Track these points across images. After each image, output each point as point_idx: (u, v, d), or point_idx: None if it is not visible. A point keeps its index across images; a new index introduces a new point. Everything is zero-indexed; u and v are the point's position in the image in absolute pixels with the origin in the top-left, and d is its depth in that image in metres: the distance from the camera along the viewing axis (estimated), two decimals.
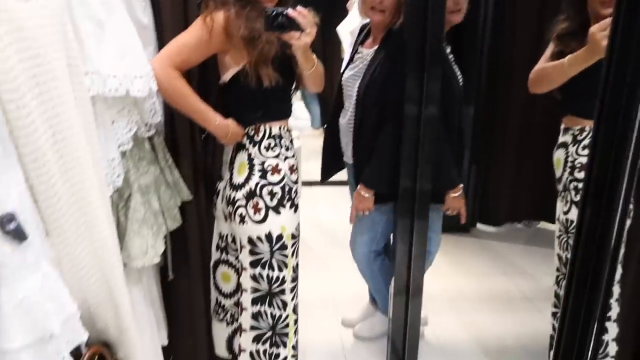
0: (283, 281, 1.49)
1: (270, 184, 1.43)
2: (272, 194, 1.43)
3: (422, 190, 1.62)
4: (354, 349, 2.14)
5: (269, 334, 1.52)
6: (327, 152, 2.01)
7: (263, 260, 1.46)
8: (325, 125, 2.01)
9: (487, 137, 3.17)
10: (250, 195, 1.43)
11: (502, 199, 3.22)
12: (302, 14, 1.27)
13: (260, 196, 1.43)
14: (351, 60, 1.88)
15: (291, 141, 1.52)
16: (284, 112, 1.50)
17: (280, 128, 1.47)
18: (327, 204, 3.55)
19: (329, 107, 2.27)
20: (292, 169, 1.49)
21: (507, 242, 3.15)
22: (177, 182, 1.47)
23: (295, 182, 1.50)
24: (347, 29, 3.58)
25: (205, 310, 1.65)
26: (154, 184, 1.37)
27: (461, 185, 1.84)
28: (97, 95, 1.10)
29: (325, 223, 3.33)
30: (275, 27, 1.28)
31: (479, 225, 3.39)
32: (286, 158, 1.47)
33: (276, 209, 1.44)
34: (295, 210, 1.49)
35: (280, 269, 1.48)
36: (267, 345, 1.53)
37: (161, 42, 1.40)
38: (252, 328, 1.52)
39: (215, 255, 1.61)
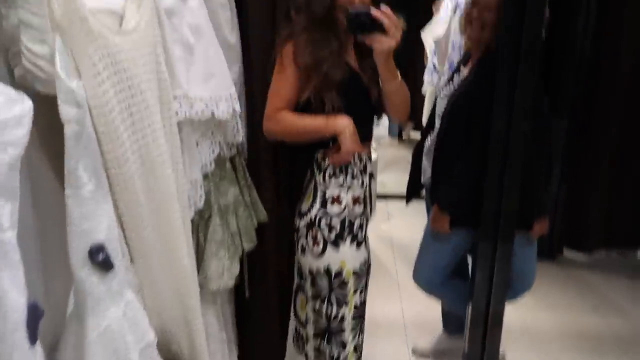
0: (342, 319, 1.39)
1: (329, 215, 1.35)
2: (330, 227, 1.35)
3: (508, 211, 1.50)
4: None
5: None
6: (412, 174, 1.93)
7: (322, 294, 1.39)
8: (416, 144, 1.93)
9: (581, 153, 2.92)
10: (310, 225, 1.36)
11: (594, 222, 2.92)
12: (386, 15, 1.19)
13: (319, 227, 1.35)
14: (451, 79, 1.79)
15: (364, 169, 1.40)
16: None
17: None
18: (402, 219, 3.45)
19: None
20: (358, 200, 1.37)
21: (599, 272, 2.86)
22: (255, 203, 1.47)
23: (362, 215, 1.39)
24: (432, 35, 3.45)
25: (280, 336, 1.62)
26: (233, 205, 1.38)
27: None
28: (183, 119, 1.11)
29: (398, 239, 3.23)
30: (357, 29, 1.21)
31: (567, 252, 3.13)
32: (350, 188, 1.36)
33: (335, 243, 1.35)
34: (359, 246, 1.38)
35: (339, 306, 1.38)
36: None
37: (248, 61, 1.40)
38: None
39: (295, 280, 1.55)
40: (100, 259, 0.77)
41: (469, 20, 1.64)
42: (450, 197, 1.66)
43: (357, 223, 1.38)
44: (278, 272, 1.57)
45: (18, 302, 0.57)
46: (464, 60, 1.77)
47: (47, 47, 0.69)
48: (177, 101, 1.07)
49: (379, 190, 3.52)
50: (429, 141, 1.79)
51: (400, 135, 5.42)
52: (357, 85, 1.34)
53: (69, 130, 0.70)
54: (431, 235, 1.80)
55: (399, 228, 3.35)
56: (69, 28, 0.71)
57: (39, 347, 0.65)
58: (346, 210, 1.36)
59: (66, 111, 0.69)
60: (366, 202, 1.42)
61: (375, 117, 1.49)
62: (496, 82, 1.44)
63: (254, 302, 1.55)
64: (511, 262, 1.56)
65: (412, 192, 1.96)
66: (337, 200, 1.36)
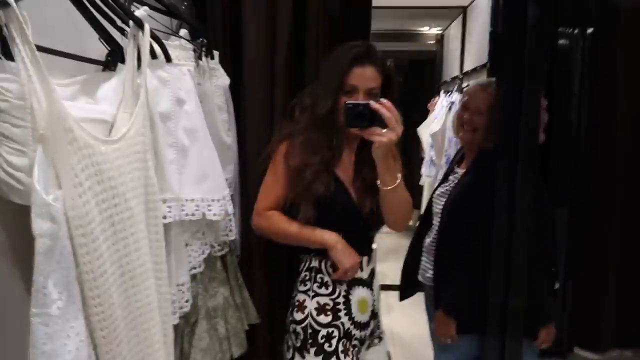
0: None
1: (293, 321, 1.31)
2: (295, 334, 1.30)
3: (514, 311, 1.41)
4: None
5: None
6: (407, 270, 1.86)
7: None
8: (411, 242, 1.87)
9: (586, 245, 2.84)
10: (286, 330, 1.34)
11: (605, 319, 2.79)
12: (386, 107, 1.13)
13: (289, 333, 1.33)
14: (445, 179, 1.77)
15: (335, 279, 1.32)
16: None
17: (321, 262, 1.32)
18: (403, 312, 3.30)
19: None
20: (323, 310, 1.29)
21: None
22: (246, 304, 1.39)
23: (330, 326, 1.29)
24: (428, 130, 3.54)
25: None
26: (222, 307, 1.30)
27: None
28: (173, 221, 1.08)
29: (399, 333, 3.07)
30: (355, 122, 1.14)
31: (577, 350, 2.95)
32: (316, 296, 1.30)
33: (300, 352, 1.29)
34: (329, 358, 1.27)
35: None
36: None
37: (243, 159, 1.40)
38: None
39: None
40: None
41: (460, 124, 1.66)
42: (454, 300, 1.58)
43: (322, 333, 1.29)
44: None
45: None
46: (457, 161, 1.78)
47: (27, 158, 0.67)
48: (167, 204, 1.04)
49: (380, 281, 3.40)
50: (428, 240, 1.74)
51: None
52: (344, 201, 1.29)
53: (40, 244, 0.66)
54: (438, 347, 1.70)
55: (400, 322, 3.20)
56: (52, 138, 0.69)
57: None
58: (308, 318, 1.29)
59: (39, 225, 0.65)
60: (337, 311, 1.31)
61: (371, 233, 1.41)
62: (496, 180, 1.42)
63: None
64: None
65: (407, 291, 1.88)
66: (300, 306, 1.31)
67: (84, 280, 0.76)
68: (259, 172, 1.40)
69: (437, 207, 1.70)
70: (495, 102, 1.58)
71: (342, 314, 1.31)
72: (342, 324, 1.31)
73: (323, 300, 1.31)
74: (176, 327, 1.13)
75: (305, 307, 1.30)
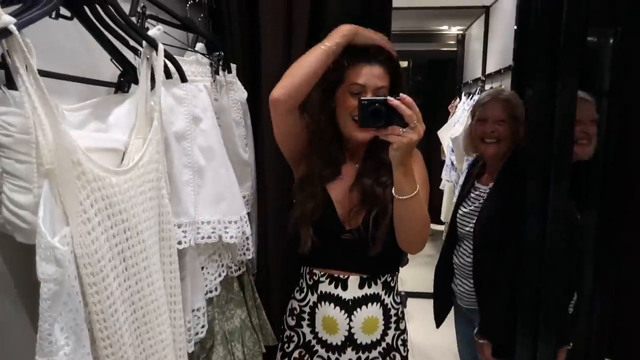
0: None
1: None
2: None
3: (546, 328, 1.34)
4: None
5: None
6: (440, 292, 1.79)
7: None
8: (438, 262, 1.81)
9: (617, 252, 2.73)
10: None
11: (636, 331, 2.69)
12: (407, 103, 0.97)
13: None
14: (467, 196, 1.70)
15: (313, 284, 1.27)
16: (317, 260, 1.28)
17: (305, 268, 1.32)
18: (422, 320, 3.22)
19: None
20: (292, 312, 1.32)
21: None
22: (264, 325, 1.34)
23: (291, 329, 1.32)
24: (449, 133, 3.45)
25: None
26: (239, 330, 1.25)
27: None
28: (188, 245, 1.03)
29: (418, 343, 3.00)
30: (371, 121, 0.99)
31: None
32: (293, 298, 1.34)
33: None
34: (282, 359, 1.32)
35: None
36: None
37: (260, 177, 1.35)
38: None
39: None
40: None
41: (479, 137, 1.59)
42: (489, 323, 1.52)
43: (286, 333, 1.33)
44: None
45: None
46: (476, 175, 1.70)
47: (32, 196, 0.62)
48: (182, 229, 0.99)
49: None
50: (458, 261, 1.67)
51: None
52: (328, 220, 1.22)
53: (45, 290, 0.61)
54: None
55: (419, 330, 3.12)
56: (59, 172, 0.64)
57: None
58: (284, 321, 1.35)
59: (44, 269, 0.60)
60: (301, 319, 1.30)
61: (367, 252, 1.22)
62: (527, 184, 1.34)
63: None
64: None
65: (442, 316, 1.81)
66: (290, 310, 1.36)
67: (93, 321, 0.71)
68: (278, 188, 1.34)
69: (465, 228, 1.63)
70: (527, 103, 1.51)
71: (304, 323, 1.30)
72: (303, 333, 1.30)
73: (295, 303, 1.32)
74: (191, 355, 1.08)
75: (287, 310, 1.36)
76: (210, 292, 1.14)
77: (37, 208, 0.62)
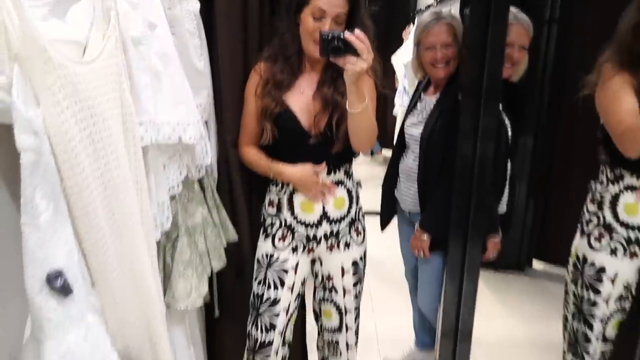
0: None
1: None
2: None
3: (475, 223, 1.55)
4: None
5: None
6: (386, 198, 1.97)
7: None
8: (386, 172, 1.97)
9: (548, 167, 3.02)
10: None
11: (563, 234, 3.00)
12: (359, 38, 1.21)
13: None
14: (414, 107, 1.84)
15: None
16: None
17: None
18: (376, 236, 3.48)
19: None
20: (272, 203, 1.53)
21: None
22: (224, 222, 1.48)
23: (275, 216, 1.53)
24: (402, 60, 3.55)
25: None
26: (201, 225, 1.39)
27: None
28: (150, 144, 1.12)
29: (372, 255, 3.23)
30: (330, 51, 1.23)
31: (535, 264, 3.20)
32: (269, 192, 1.55)
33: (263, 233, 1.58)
34: (266, 238, 1.53)
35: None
36: None
37: (218, 84, 1.43)
38: None
39: None
40: (58, 285, 0.78)
41: (427, 62, 1.71)
42: (430, 219, 1.72)
43: (269, 221, 1.54)
44: (249, 291, 1.58)
45: None
46: (423, 88, 1.83)
47: (5, 77, 0.70)
48: (144, 127, 1.08)
49: None
50: (402, 164, 1.84)
51: (371, 153, 5.59)
52: (291, 127, 1.42)
53: (25, 159, 0.71)
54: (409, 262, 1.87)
55: (373, 244, 3.37)
56: (27, 58, 0.72)
57: None
58: (264, 209, 1.57)
59: (22, 140, 0.70)
60: (280, 206, 1.51)
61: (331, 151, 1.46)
62: (461, 106, 1.49)
63: (223, 322, 1.55)
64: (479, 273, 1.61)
65: (387, 219, 2.00)
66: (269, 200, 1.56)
67: (69, 194, 0.82)
68: (235, 97, 1.44)
69: (411, 137, 1.78)
70: (464, 34, 1.63)
71: (284, 209, 1.51)
72: (285, 217, 1.51)
73: (273, 195, 1.53)
74: (158, 244, 1.22)
75: (265, 201, 1.56)
76: (173, 188, 1.25)
77: (11, 88, 0.71)
